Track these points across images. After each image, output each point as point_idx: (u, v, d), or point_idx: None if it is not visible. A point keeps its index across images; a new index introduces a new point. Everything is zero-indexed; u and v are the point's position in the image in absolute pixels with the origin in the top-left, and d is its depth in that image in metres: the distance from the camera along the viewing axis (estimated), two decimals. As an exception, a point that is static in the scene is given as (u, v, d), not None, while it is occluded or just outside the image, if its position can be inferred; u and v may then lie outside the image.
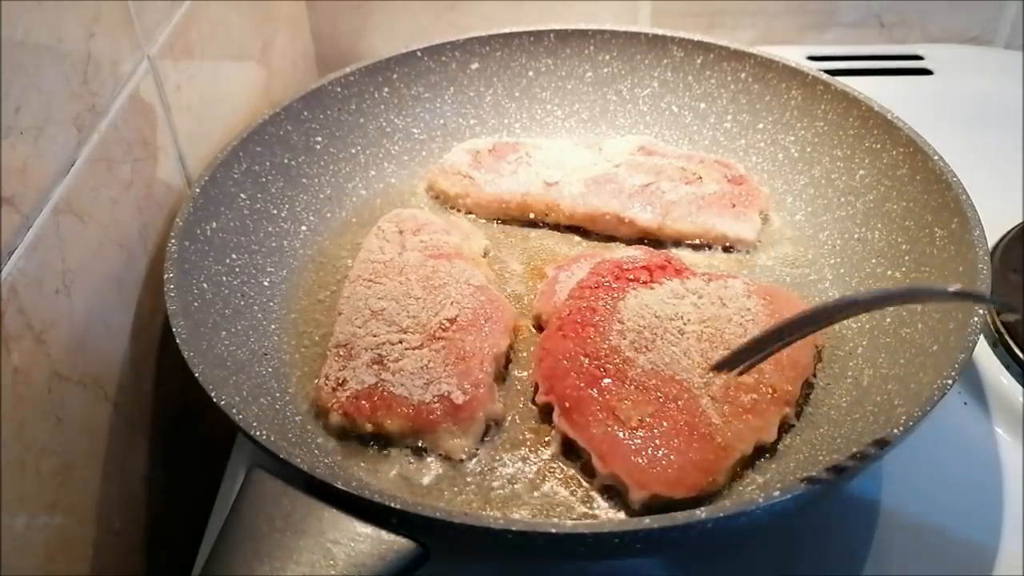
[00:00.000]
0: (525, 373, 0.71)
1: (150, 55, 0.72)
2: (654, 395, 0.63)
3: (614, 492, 0.62)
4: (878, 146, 0.82)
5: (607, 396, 0.63)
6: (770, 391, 0.64)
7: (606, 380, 0.64)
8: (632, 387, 0.64)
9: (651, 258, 0.75)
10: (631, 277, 0.71)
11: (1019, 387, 0.71)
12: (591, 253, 0.80)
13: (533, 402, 0.68)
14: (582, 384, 0.64)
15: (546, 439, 0.66)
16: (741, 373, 0.58)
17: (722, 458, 0.61)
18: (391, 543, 0.51)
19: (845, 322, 0.74)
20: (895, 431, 0.55)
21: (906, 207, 0.77)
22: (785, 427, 0.66)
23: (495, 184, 0.87)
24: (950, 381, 0.58)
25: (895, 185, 0.79)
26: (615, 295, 0.70)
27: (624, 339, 0.67)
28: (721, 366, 0.56)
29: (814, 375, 0.69)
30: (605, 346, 0.66)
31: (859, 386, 0.68)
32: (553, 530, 0.51)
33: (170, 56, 0.75)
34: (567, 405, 0.64)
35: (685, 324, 0.68)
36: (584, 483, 0.63)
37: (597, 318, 0.68)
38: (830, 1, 1.16)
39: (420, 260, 0.76)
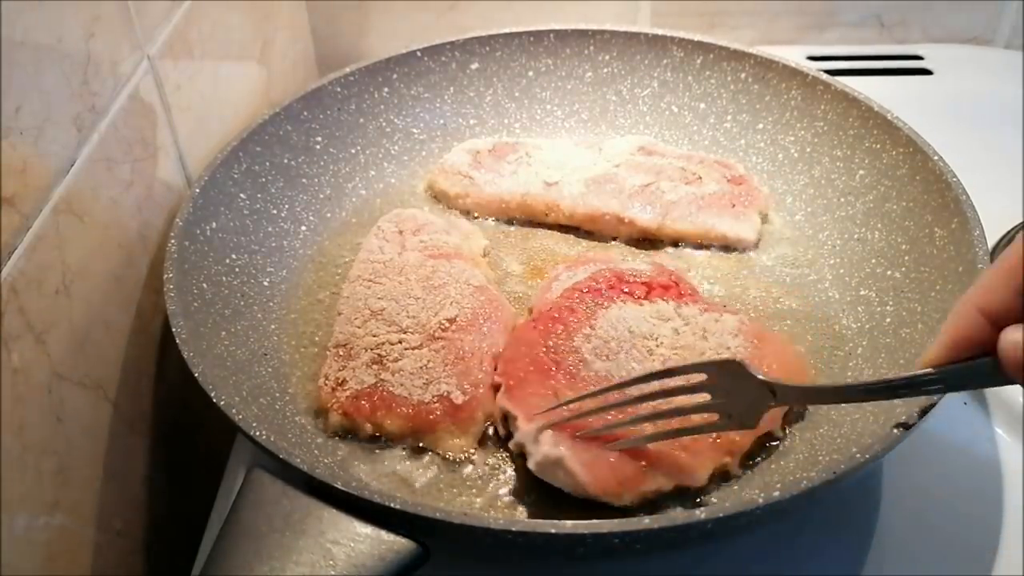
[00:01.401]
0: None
1: (150, 55, 0.72)
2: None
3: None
4: (878, 146, 0.82)
5: (552, 383, 0.63)
6: (714, 435, 0.61)
7: (555, 371, 0.64)
8: (579, 385, 0.63)
9: (657, 276, 0.73)
10: (625, 290, 0.70)
11: (1019, 387, 0.71)
12: (603, 257, 0.79)
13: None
14: (532, 368, 0.64)
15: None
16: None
17: (638, 481, 0.59)
18: (391, 543, 0.51)
19: (844, 322, 0.74)
20: (895, 431, 0.55)
21: (906, 207, 0.77)
22: (785, 427, 0.65)
23: (495, 184, 0.87)
24: (950, 381, 0.58)
25: (895, 185, 0.79)
26: (600, 302, 0.69)
27: (588, 343, 0.66)
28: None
29: (783, 429, 0.66)
30: (567, 344, 0.66)
31: (859, 386, 0.68)
32: (553, 530, 0.51)
33: (170, 56, 0.75)
34: (511, 383, 0.64)
35: (657, 346, 0.67)
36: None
37: (572, 318, 0.68)
38: (830, 1, 1.16)
39: (420, 260, 0.76)
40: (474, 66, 0.96)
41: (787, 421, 0.65)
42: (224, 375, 0.65)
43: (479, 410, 0.65)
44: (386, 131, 0.93)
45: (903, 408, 0.59)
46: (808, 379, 0.68)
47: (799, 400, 0.60)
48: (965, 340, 0.49)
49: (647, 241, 0.83)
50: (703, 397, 0.58)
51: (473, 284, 0.73)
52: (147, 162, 0.72)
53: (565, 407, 0.60)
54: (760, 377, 0.56)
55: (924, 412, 0.56)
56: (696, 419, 0.59)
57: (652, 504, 0.60)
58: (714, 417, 0.58)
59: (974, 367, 0.49)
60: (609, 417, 0.60)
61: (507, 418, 0.64)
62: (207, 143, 0.82)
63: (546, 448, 0.59)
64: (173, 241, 0.70)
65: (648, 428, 0.60)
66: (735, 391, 0.57)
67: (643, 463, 0.59)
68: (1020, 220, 0.84)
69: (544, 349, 0.66)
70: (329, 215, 0.86)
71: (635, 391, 0.60)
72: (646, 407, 0.60)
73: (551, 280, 0.75)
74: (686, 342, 0.67)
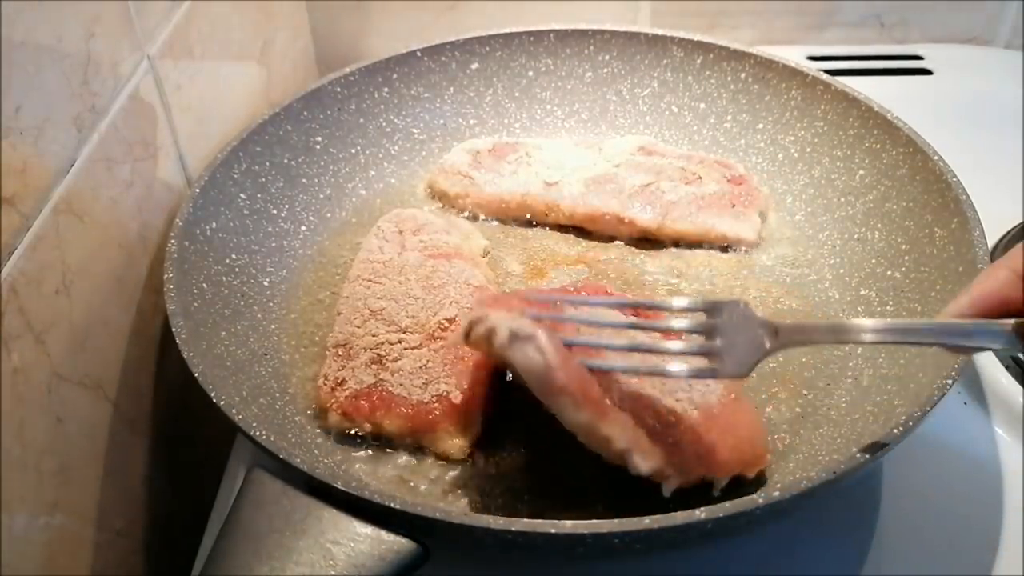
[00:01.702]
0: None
1: (150, 55, 0.72)
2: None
3: (614, 494, 0.62)
4: (878, 146, 0.82)
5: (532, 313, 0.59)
6: (671, 439, 0.58)
7: (537, 311, 0.60)
8: (562, 329, 0.59)
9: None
10: (614, 302, 0.69)
11: (1019, 387, 0.71)
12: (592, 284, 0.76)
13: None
14: (513, 303, 0.60)
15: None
16: None
17: (599, 411, 0.56)
18: (391, 543, 0.51)
19: (845, 322, 0.74)
20: (895, 431, 0.55)
21: (906, 207, 0.77)
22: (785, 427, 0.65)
23: (495, 184, 0.87)
24: (950, 381, 0.58)
25: (895, 185, 0.79)
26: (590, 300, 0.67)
27: (574, 310, 0.63)
28: None
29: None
30: (552, 309, 0.62)
31: (859, 386, 0.68)
32: (553, 530, 0.51)
33: (170, 56, 0.75)
34: (488, 304, 0.59)
35: None
36: (583, 484, 0.63)
37: (559, 298, 0.64)
38: (830, 1, 1.16)
39: (419, 260, 0.76)
40: (474, 66, 0.96)
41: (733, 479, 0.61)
42: (224, 375, 0.65)
43: (478, 410, 0.65)
44: (386, 131, 0.93)
45: (903, 408, 0.59)
46: (764, 451, 0.63)
47: (802, 340, 0.57)
48: (994, 296, 0.47)
49: (647, 241, 0.83)
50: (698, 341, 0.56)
51: (473, 284, 0.73)
52: (147, 162, 0.72)
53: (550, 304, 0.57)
54: (762, 317, 0.55)
55: (924, 412, 0.56)
56: (686, 361, 0.57)
57: (646, 504, 0.60)
58: (703, 361, 0.56)
59: (995, 324, 0.47)
60: (595, 334, 0.57)
61: (469, 335, 0.57)
62: (207, 143, 0.82)
63: (523, 323, 0.55)
64: (173, 241, 0.70)
65: (631, 358, 0.57)
66: (733, 335, 0.55)
67: (608, 401, 0.57)
68: (1020, 220, 0.84)
69: (528, 304, 0.60)
70: (329, 215, 0.86)
71: (626, 317, 0.58)
72: (634, 335, 0.58)
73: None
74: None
